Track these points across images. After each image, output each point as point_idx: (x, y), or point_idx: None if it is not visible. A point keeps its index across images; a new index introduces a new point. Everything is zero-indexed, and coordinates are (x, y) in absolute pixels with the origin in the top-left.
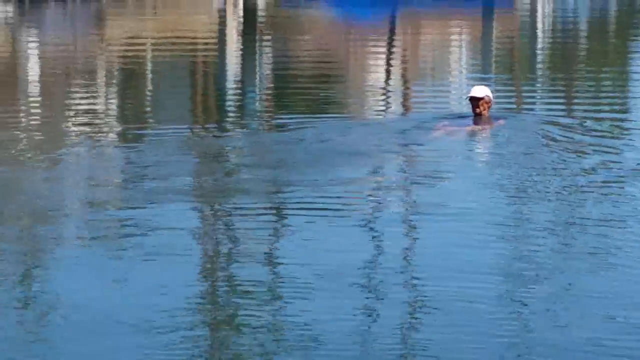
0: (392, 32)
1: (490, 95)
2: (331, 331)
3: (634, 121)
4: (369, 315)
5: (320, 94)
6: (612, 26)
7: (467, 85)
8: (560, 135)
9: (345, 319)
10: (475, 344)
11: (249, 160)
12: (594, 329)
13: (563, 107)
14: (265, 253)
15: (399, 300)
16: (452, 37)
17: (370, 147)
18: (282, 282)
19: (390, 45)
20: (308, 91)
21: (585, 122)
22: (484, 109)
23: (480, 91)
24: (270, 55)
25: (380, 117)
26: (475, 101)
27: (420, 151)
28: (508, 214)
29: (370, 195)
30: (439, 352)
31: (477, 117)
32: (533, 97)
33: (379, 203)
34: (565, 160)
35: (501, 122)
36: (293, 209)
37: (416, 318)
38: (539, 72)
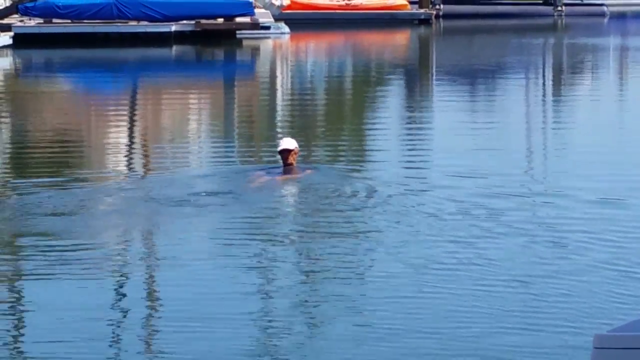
0: (134, 102)
1: (298, 146)
2: None
3: (383, 162)
4: None
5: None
6: (349, 88)
7: (220, 145)
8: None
9: None
10: None
11: None
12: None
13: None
14: None
15: None
16: (194, 104)
17: (190, 197)
18: None
19: (132, 114)
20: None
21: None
22: (294, 159)
23: (291, 143)
24: (8, 129)
25: (175, 171)
26: (287, 153)
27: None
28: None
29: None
30: None
31: (288, 167)
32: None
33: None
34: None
35: (308, 171)
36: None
37: None
38: (278, 130)
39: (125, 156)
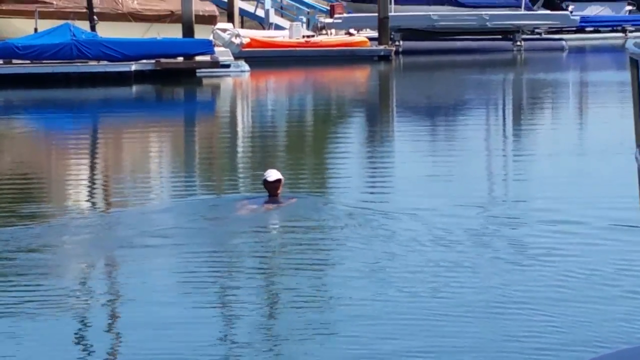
0: (95, 141)
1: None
2: None
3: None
4: None
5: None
6: (311, 123)
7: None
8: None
9: None
10: None
11: None
12: None
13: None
14: None
15: None
16: (155, 141)
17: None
18: None
19: (93, 152)
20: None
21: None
22: (279, 190)
23: (277, 175)
24: None
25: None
26: (274, 183)
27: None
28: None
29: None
30: None
31: (273, 197)
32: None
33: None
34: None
35: (292, 200)
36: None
37: None
38: (240, 165)
39: (88, 193)
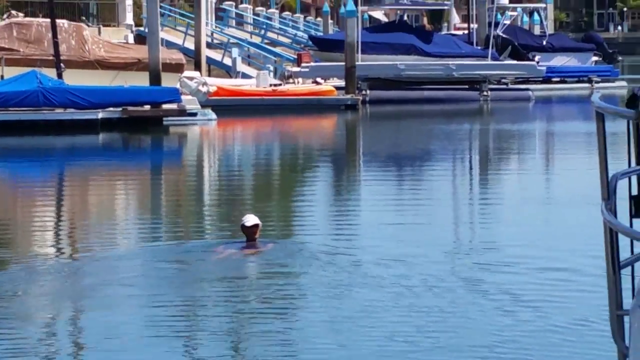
0: (61, 189)
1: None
2: None
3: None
4: None
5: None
6: (278, 172)
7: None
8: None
9: None
10: None
11: None
12: None
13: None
14: None
15: None
16: (122, 189)
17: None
18: None
19: (59, 200)
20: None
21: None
22: (257, 235)
23: (255, 220)
24: None
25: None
26: (254, 228)
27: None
28: None
29: None
30: None
31: (251, 242)
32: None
33: None
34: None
35: (270, 245)
36: None
37: None
38: (207, 213)
39: (54, 239)
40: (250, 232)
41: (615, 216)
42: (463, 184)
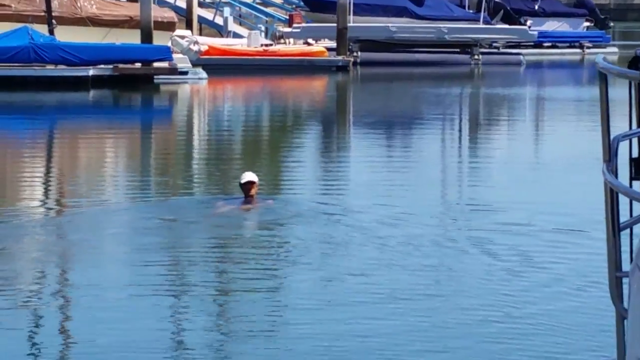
0: (51, 145)
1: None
2: None
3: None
4: None
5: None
6: (267, 132)
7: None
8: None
9: None
10: None
11: None
12: None
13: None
14: None
15: None
16: (112, 147)
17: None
18: None
19: (49, 156)
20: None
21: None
22: (255, 192)
23: (254, 177)
24: None
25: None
26: (250, 185)
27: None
28: None
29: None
30: None
31: (249, 198)
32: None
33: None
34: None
35: (270, 202)
36: None
37: None
38: (196, 172)
39: (42, 194)
40: (246, 189)
41: (616, 178)
42: (451, 146)
